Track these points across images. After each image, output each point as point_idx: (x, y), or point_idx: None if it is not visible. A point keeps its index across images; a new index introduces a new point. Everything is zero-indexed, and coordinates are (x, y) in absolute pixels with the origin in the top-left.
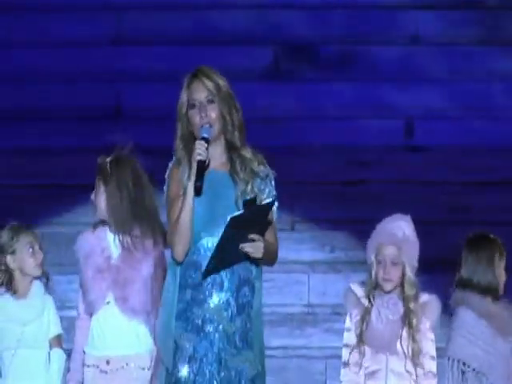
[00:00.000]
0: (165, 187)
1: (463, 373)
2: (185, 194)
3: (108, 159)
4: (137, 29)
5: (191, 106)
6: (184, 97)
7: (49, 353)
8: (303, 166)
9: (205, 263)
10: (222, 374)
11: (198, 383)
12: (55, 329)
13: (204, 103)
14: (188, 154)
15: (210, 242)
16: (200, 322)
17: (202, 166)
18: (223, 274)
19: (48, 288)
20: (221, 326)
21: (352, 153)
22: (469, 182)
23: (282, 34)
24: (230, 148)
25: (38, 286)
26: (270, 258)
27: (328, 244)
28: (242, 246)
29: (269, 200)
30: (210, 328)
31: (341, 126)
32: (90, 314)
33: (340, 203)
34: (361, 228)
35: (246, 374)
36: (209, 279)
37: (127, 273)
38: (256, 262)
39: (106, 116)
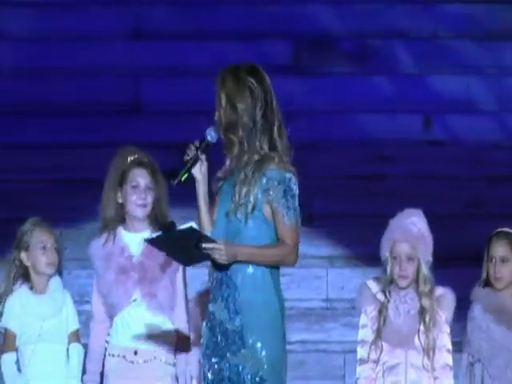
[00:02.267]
0: None
1: (472, 365)
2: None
3: (151, 160)
4: (157, 23)
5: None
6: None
7: (67, 348)
8: (322, 160)
9: (214, 268)
10: (224, 370)
11: (208, 380)
12: (73, 324)
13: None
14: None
15: None
16: (211, 317)
17: (190, 164)
18: (225, 271)
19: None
20: (222, 323)
21: (371, 147)
22: (487, 176)
23: (303, 28)
24: (240, 151)
25: (57, 282)
26: (273, 262)
27: (347, 239)
28: (203, 245)
29: (188, 225)
30: (215, 324)
31: (360, 120)
32: (111, 316)
33: (358, 198)
34: (379, 222)
35: (247, 372)
36: (214, 278)
37: (154, 269)
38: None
39: (126, 111)
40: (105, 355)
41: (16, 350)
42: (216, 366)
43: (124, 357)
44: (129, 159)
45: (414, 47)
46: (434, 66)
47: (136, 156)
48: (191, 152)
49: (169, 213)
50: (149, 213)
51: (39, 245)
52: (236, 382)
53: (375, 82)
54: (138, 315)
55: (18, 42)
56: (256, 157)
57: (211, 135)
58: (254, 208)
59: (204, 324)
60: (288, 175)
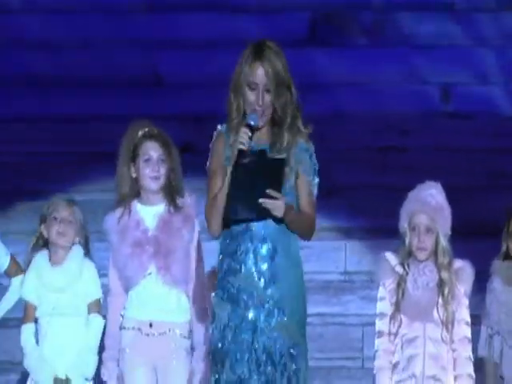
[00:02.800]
0: (209, 154)
1: (491, 337)
2: (224, 173)
3: (162, 133)
4: None
5: (249, 86)
6: (245, 72)
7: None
8: (340, 132)
9: (239, 232)
10: (258, 342)
11: (232, 352)
12: (94, 293)
13: (262, 90)
14: (237, 130)
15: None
16: (235, 290)
17: (243, 155)
18: (256, 242)
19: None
20: (255, 293)
21: (390, 119)
22: (507, 149)
23: (319, 0)
24: (278, 128)
25: (76, 251)
26: (302, 228)
27: (365, 211)
28: (261, 200)
29: (281, 156)
30: (244, 296)
31: (379, 92)
32: (126, 290)
33: (377, 170)
34: (398, 195)
35: (283, 342)
36: (242, 248)
37: (169, 242)
38: (286, 225)
39: (145, 84)
40: (120, 328)
41: (36, 321)
42: (244, 337)
43: (139, 329)
44: (139, 133)
45: (432, 19)
46: (453, 37)
47: (146, 129)
48: (246, 142)
49: (183, 184)
50: (163, 185)
51: (52, 215)
52: (272, 351)
53: (393, 53)
54: (152, 288)
55: (36, 14)
56: (297, 135)
57: (257, 121)
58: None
59: (218, 296)
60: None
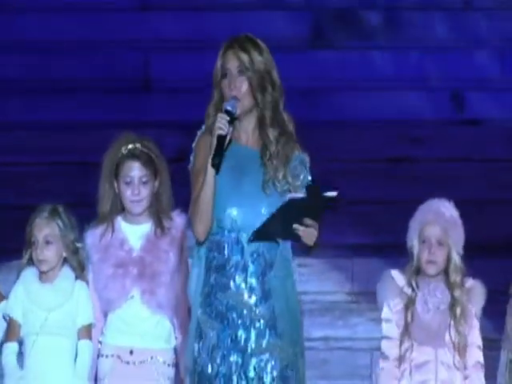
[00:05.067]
0: (191, 157)
1: (511, 362)
2: (205, 170)
3: (147, 150)
4: None
5: (223, 75)
6: (219, 64)
7: (77, 343)
8: (346, 142)
9: (228, 245)
10: (247, 364)
11: (221, 375)
12: (85, 318)
13: (235, 74)
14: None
15: (235, 211)
16: (224, 308)
17: (222, 141)
18: (247, 257)
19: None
20: (245, 312)
21: (398, 127)
22: None
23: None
24: (261, 125)
25: (66, 271)
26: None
27: (374, 226)
28: (296, 226)
29: (333, 193)
30: (233, 315)
31: (384, 99)
32: (105, 313)
33: (386, 182)
34: (408, 208)
35: (274, 365)
36: (232, 262)
37: (154, 265)
38: (306, 250)
39: (133, 88)
40: (98, 356)
41: (21, 339)
42: (233, 359)
43: (119, 357)
44: (122, 150)
45: (442, 19)
46: (466, 40)
47: (129, 147)
48: (225, 127)
49: (171, 202)
50: (146, 206)
51: (32, 239)
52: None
53: (403, 57)
54: (134, 313)
55: (23, 15)
56: (282, 134)
57: (235, 108)
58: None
59: (206, 313)
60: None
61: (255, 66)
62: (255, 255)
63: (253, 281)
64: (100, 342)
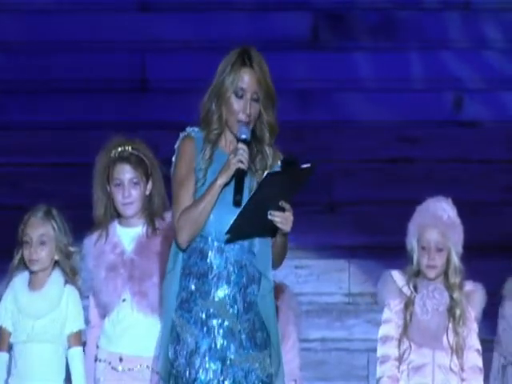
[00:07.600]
0: (173, 158)
1: (504, 367)
2: (210, 187)
3: (137, 152)
4: None
5: (236, 93)
6: (230, 78)
7: (66, 350)
8: (344, 142)
9: (211, 252)
10: (227, 373)
11: (198, 381)
12: (75, 325)
13: (250, 99)
14: (216, 139)
15: (219, 219)
16: (204, 315)
17: (243, 176)
18: (230, 267)
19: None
20: (226, 323)
21: (397, 128)
22: None
23: (321, 0)
24: (259, 141)
25: (56, 276)
26: (285, 253)
27: (371, 227)
28: (271, 212)
29: (308, 165)
30: (214, 323)
31: (384, 99)
32: (104, 317)
33: (384, 183)
34: (406, 209)
35: (254, 375)
36: (215, 271)
37: (145, 266)
38: (283, 242)
39: (131, 89)
40: (95, 360)
41: (10, 348)
42: (211, 367)
43: (109, 363)
44: (112, 154)
45: (442, 20)
46: (465, 40)
47: (119, 150)
48: (246, 161)
49: (165, 203)
50: (138, 208)
51: (24, 239)
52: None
53: (401, 58)
54: (126, 317)
55: (22, 16)
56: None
57: (248, 135)
58: None
59: (184, 318)
60: None
61: (269, 92)
62: (238, 266)
63: (235, 292)
64: (97, 346)
